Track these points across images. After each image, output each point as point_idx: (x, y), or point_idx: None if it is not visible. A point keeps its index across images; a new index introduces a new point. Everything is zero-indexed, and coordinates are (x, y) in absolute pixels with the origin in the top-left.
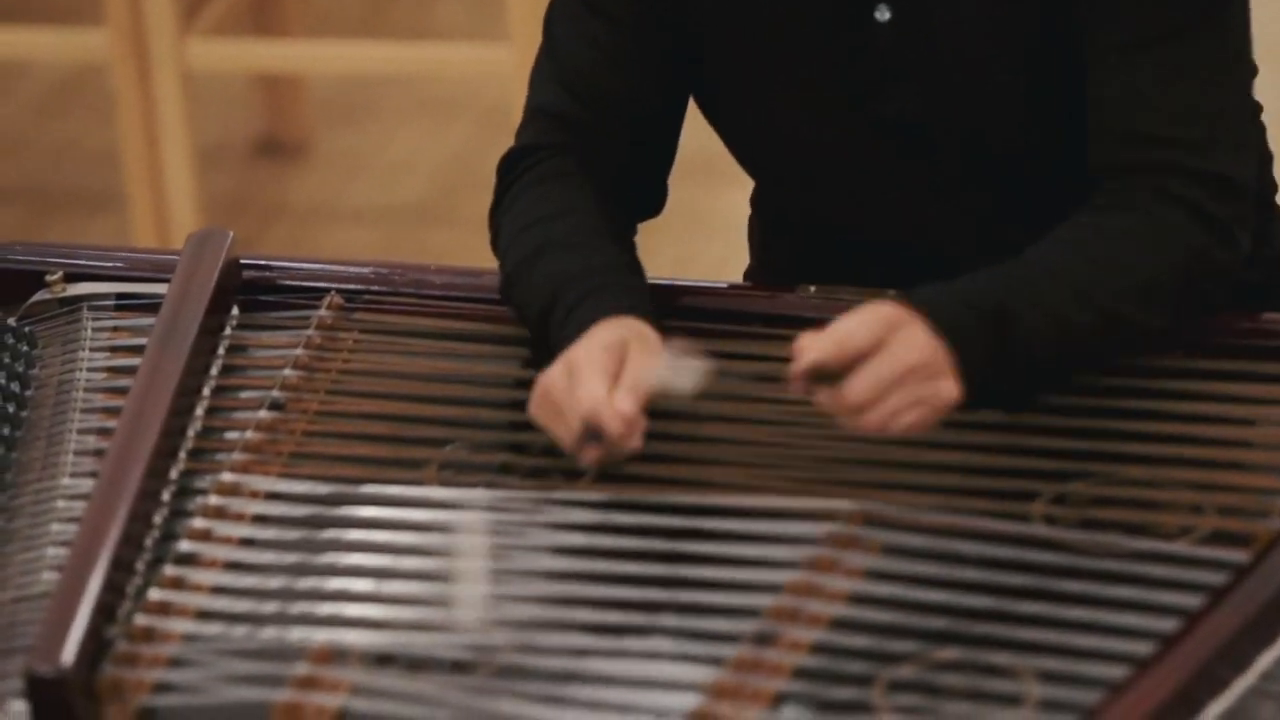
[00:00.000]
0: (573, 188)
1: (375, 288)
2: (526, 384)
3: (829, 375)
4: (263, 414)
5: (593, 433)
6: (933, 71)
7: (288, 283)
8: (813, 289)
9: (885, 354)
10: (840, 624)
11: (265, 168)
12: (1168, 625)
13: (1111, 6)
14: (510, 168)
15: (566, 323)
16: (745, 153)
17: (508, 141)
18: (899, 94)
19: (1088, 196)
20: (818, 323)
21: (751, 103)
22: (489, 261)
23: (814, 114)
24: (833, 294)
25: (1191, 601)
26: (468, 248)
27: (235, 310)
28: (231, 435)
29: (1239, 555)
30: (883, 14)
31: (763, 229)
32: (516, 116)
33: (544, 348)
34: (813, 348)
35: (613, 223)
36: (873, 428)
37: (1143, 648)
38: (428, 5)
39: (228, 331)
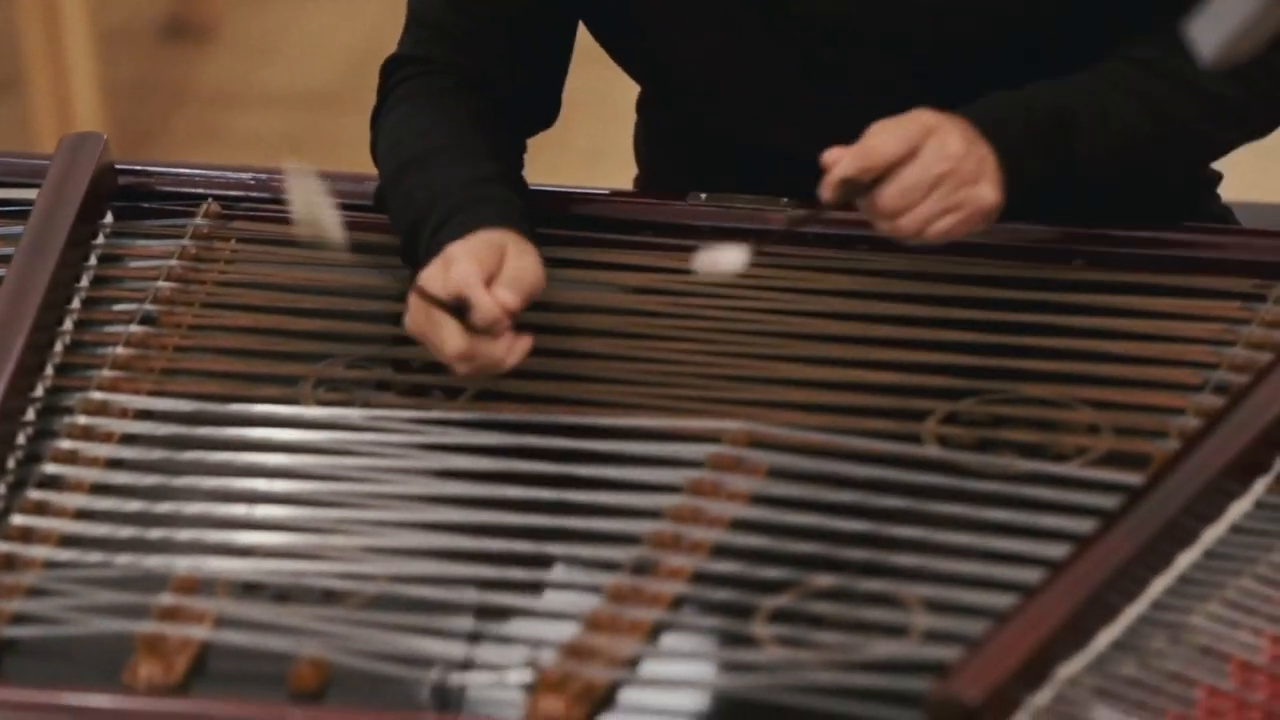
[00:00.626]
0: (446, 103)
1: (255, 194)
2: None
3: (861, 186)
4: (134, 328)
5: (459, 306)
6: None
7: (165, 189)
8: (704, 196)
9: (916, 161)
10: (721, 551)
11: (171, 51)
12: (1058, 551)
13: None
14: (388, 75)
15: (436, 236)
16: (636, 58)
17: None
18: None
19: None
20: (709, 231)
21: (649, 6)
22: None
23: (720, 12)
24: (726, 201)
25: (1084, 526)
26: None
27: (109, 218)
28: (101, 350)
29: (1135, 478)
30: None
31: (650, 138)
32: None
33: (413, 266)
34: (841, 162)
35: (491, 137)
36: (908, 234)
37: (1032, 575)
38: None
39: (100, 240)
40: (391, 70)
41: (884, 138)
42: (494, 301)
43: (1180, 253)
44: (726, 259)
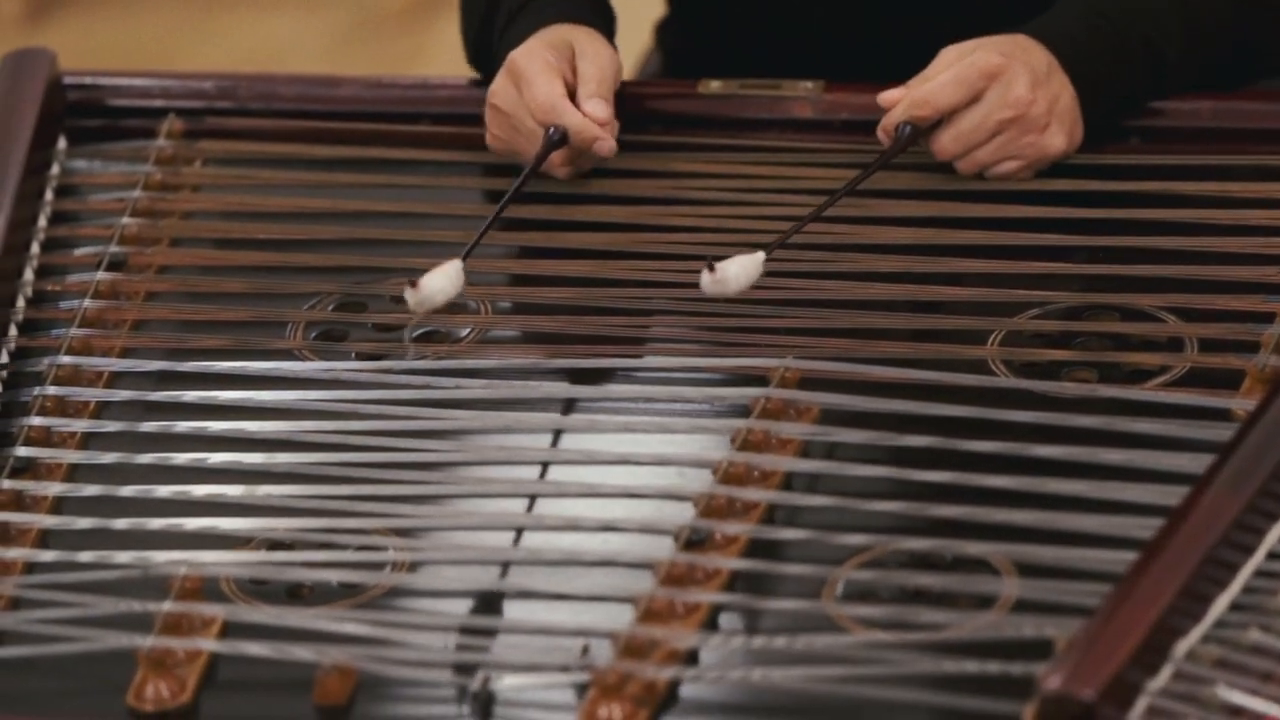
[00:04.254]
0: None
1: (218, 104)
2: (400, 218)
3: (920, 128)
4: (101, 275)
5: (555, 136)
6: None
7: (120, 104)
8: (715, 84)
9: (977, 107)
10: (774, 516)
11: None
12: (1149, 494)
13: None
14: None
15: (508, 29)
16: None
17: None
18: None
19: None
20: (725, 124)
21: None
22: None
23: None
24: (744, 87)
25: (1181, 462)
26: None
27: (62, 143)
28: (67, 304)
29: (1228, 401)
30: None
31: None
32: None
33: (487, 65)
34: (897, 106)
35: None
36: (967, 172)
37: (1117, 523)
38: None
39: (55, 170)
40: None
41: (944, 81)
42: (587, 121)
43: (1255, 124)
44: (736, 274)
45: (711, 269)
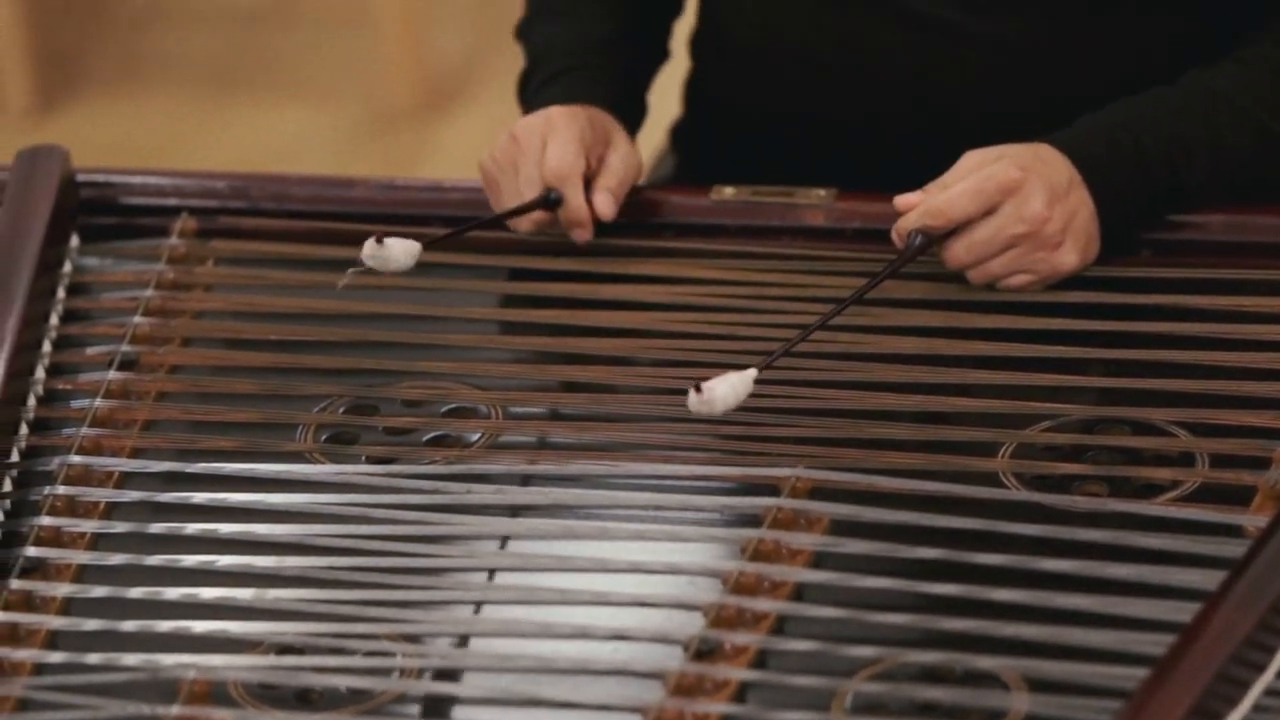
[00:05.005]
0: None
1: (231, 203)
2: (411, 321)
3: (933, 236)
4: (113, 374)
5: (554, 198)
6: None
7: (132, 202)
8: (729, 191)
9: (992, 220)
10: (783, 627)
11: None
12: (1159, 610)
13: None
14: None
15: (543, 90)
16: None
17: None
18: None
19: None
20: (736, 231)
21: None
22: (334, 61)
23: None
24: (757, 194)
25: (1192, 578)
26: (315, 52)
27: (75, 240)
28: (78, 403)
29: (1240, 516)
30: None
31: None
32: None
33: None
34: (912, 213)
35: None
36: (978, 283)
37: (1128, 639)
38: None
39: (67, 268)
40: None
41: (960, 191)
42: (584, 206)
43: (1268, 239)
44: (724, 394)
45: (698, 389)
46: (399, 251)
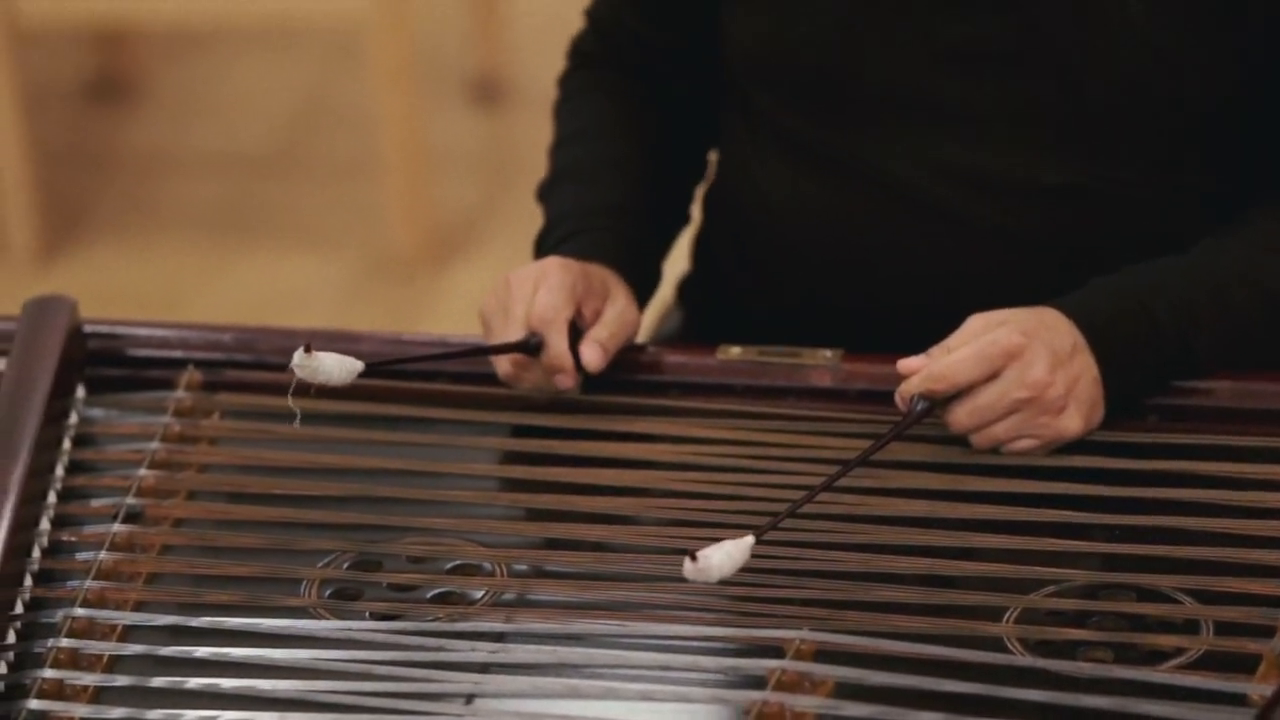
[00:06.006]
0: (606, 106)
1: (237, 356)
2: (416, 476)
3: (936, 400)
4: (117, 527)
5: (534, 342)
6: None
7: (139, 354)
8: (735, 350)
9: (994, 384)
10: None
11: (99, 112)
12: None
13: None
14: (570, 58)
15: (564, 245)
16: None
17: (357, 73)
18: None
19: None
20: (742, 391)
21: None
22: (339, 211)
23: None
24: (763, 354)
25: None
26: (321, 202)
27: (81, 392)
28: (83, 555)
29: (1245, 685)
30: None
31: (705, 281)
32: (368, 47)
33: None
34: (914, 378)
35: (642, 144)
36: (981, 447)
37: None
38: None
39: (73, 419)
40: (573, 53)
41: (963, 356)
42: (567, 355)
43: (1274, 405)
44: (720, 562)
45: (694, 558)
46: (330, 364)
